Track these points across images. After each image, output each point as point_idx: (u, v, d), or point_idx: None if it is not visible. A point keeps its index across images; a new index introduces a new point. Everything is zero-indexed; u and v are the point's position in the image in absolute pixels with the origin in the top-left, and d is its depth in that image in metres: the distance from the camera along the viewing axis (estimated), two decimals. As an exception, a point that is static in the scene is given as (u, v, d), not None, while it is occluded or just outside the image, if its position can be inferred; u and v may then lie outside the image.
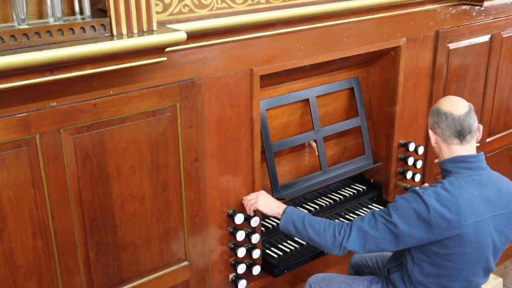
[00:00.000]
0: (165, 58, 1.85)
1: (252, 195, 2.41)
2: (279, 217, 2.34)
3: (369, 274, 2.73)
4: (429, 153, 3.22)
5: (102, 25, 1.72)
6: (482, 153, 2.21)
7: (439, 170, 3.31)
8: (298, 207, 2.86)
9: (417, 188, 2.14)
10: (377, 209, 2.17)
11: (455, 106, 2.18)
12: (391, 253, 2.49)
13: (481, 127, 2.24)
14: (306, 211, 2.78)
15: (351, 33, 2.59)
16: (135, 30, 1.77)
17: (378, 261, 2.72)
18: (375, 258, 2.74)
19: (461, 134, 2.15)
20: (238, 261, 2.49)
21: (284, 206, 2.36)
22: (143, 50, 1.75)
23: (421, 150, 3.07)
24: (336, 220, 2.26)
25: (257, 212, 2.44)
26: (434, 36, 2.98)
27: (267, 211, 2.38)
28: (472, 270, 2.14)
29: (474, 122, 2.17)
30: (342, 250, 2.18)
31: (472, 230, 2.06)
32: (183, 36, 1.81)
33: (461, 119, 2.14)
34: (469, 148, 2.19)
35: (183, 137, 2.12)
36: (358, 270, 2.80)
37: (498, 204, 2.14)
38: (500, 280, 3.40)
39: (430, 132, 2.25)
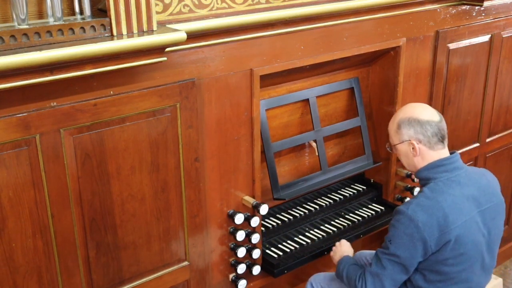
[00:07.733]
0: (165, 58, 1.85)
1: (337, 245, 2.57)
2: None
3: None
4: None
5: (102, 25, 1.72)
6: (456, 153, 2.26)
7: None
8: (298, 207, 2.89)
9: (401, 206, 2.17)
10: (380, 248, 2.23)
11: (430, 113, 2.25)
12: None
13: None
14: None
15: (351, 33, 2.59)
16: (135, 30, 1.77)
17: None
18: None
19: (444, 139, 2.24)
20: (238, 261, 2.49)
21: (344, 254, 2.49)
22: (143, 50, 1.76)
23: (421, 150, 3.06)
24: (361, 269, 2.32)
25: (256, 215, 2.43)
26: (434, 36, 2.97)
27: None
28: (471, 269, 2.17)
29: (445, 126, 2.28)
30: None
31: (463, 230, 2.10)
32: (183, 36, 1.81)
33: (440, 125, 2.23)
34: (446, 151, 2.26)
35: (183, 137, 2.12)
36: None
37: (482, 199, 2.19)
38: (500, 280, 3.40)
39: (407, 143, 2.24)
